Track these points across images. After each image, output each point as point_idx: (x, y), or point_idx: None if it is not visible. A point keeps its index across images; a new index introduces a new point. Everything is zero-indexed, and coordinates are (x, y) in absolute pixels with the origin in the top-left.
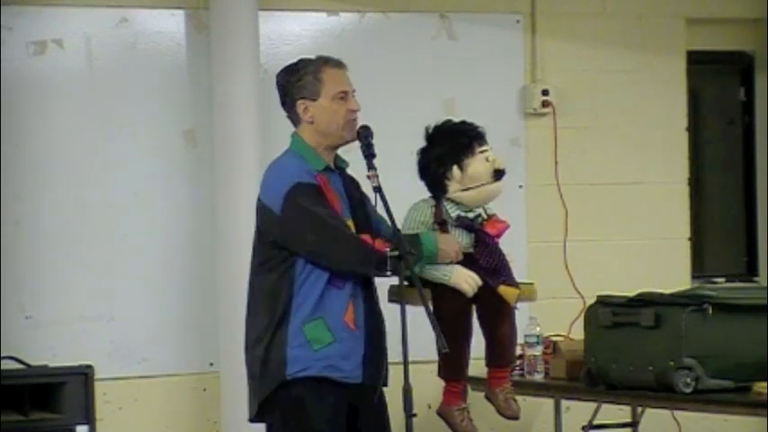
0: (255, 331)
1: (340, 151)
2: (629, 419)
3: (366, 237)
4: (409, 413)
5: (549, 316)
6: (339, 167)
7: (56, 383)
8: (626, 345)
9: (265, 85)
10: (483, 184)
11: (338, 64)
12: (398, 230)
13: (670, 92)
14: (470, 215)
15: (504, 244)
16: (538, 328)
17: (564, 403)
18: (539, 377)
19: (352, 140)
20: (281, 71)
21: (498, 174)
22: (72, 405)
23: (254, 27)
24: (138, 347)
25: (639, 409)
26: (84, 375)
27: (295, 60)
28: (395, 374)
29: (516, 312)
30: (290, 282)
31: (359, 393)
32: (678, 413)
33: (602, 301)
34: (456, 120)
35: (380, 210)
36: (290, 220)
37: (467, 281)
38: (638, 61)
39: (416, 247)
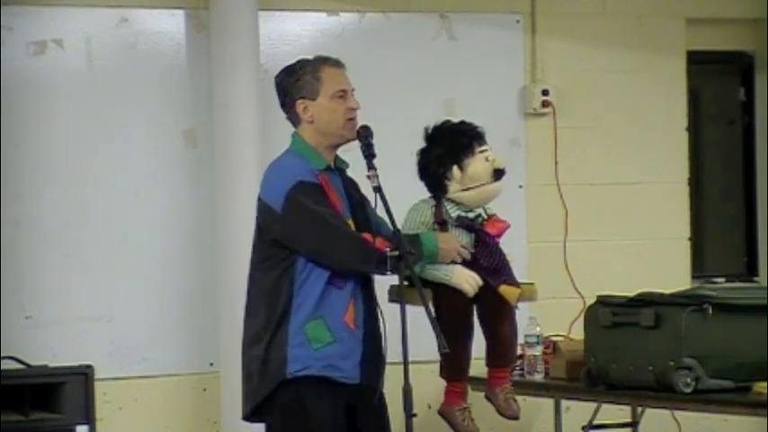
0: (254, 330)
1: (340, 151)
2: (629, 419)
3: (367, 236)
4: (409, 413)
5: (549, 316)
6: (339, 168)
7: (56, 383)
8: (626, 345)
9: (265, 85)
10: (483, 184)
11: (336, 63)
12: (398, 230)
13: (670, 92)
14: (470, 215)
15: (505, 244)
16: (538, 328)
17: (564, 403)
18: (539, 377)
19: (353, 139)
20: (280, 72)
21: (498, 173)
22: (72, 405)
23: (254, 27)
24: (138, 347)
25: (639, 409)
26: (84, 375)
27: (294, 61)
28: (395, 374)
29: (516, 312)
30: (291, 281)
31: (357, 394)
32: (678, 413)
33: (602, 301)
34: (455, 120)
35: (380, 210)
36: (291, 218)
37: (468, 281)
38: (638, 61)
39: (417, 246)
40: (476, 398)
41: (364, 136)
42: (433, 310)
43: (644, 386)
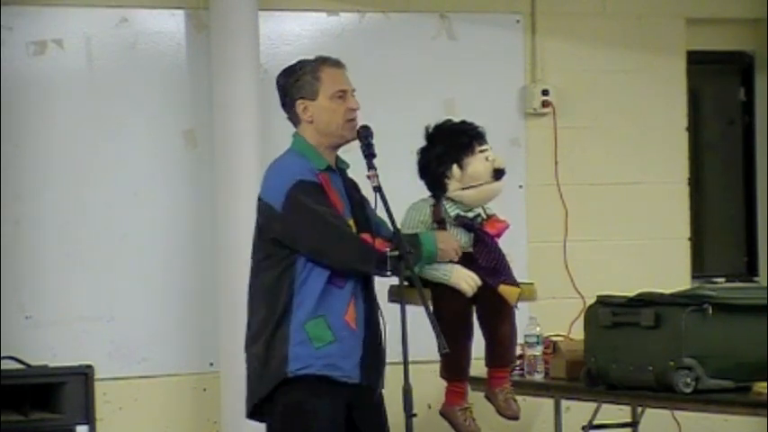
0: (255, 328)
1: (339, 151)
2: (629, 419)
3: (366, 236)
4: (409, 413)
5: (549, 316)
6: (340, 168)
7: (56, 383)
8: (626, 345)
9: (265, 85)
10: (483, 184)
11: (336, 63)
12: (398, 230)
13: (670, 92)
14: (470, 214)
15: (504, 244)
16: (538, 328)
17: (564, 403)
18: (539, 377)
19: (353, 139)
20: (281, 72)
21: (498, 173)
22: (72, 405)
23: (254, 27)
24: (138, 347)
25: (639, 409)
26: (84, 375)
27: (294, 61)
28: (395, 374)
29: (516, 312)
30: (291, 280)
31: (357, 393)
32: (678, 413)
33: (602, 301)
34: (456, 119)
35: (380, 210)
36: (291, 217)
37: (466, 281)
38: (638, 61)
39: (416, 246)
40: (476, 398)
41: (364, 136)
42: (432, 310)
43: (644, 386)
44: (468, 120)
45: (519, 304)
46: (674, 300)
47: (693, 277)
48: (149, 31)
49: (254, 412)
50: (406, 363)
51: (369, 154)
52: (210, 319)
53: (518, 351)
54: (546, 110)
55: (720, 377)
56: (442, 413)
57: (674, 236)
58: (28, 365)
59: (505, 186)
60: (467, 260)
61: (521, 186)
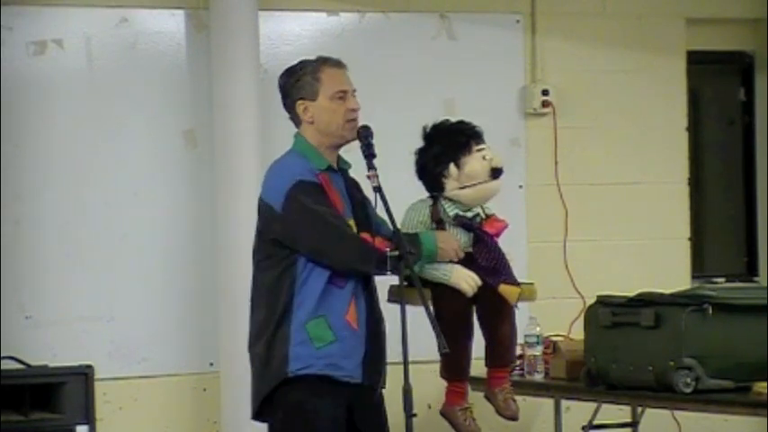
0: (256, 328)
1: (340, 151)
2: (629, 419)
3: (366, 236)
4: (409, 413)
5: (549, 316)
6: (341, 168)
7: (56, 383)
8: (626, 345)
9: (265, 85)
10: (480, 183)
11: (337, 64)
12: (398, 230)
13: (670, 92)
14: (468, 214)
15: (504, 244)
16: (538, 328)
17: (564, 403)
18: (539, 377)
19: (353, 140)
20: (282, 73)
21: (496, 172)
22: (72, 405)
23: (254, 27)
24: (138, 347)
25: (639, 409)
26: (84, 375)
27: (296, 62)
28: (395, 374)
29: (516, 312)
30: (292, 280)
31: (358, 393)
32: (678, 413)
33: (602, 301)
34: (453, 119)
35: (380, 210)
36: (291, 217)
37: (466, 280)
38: (638, 61)
39: (416, 246)
40: (475, 398)
41: (364, 136)
42: (432, 309)
43: (644, 386)
44: (468, 119)
45: (519, 304)
46: (674, 300)
47: (693, 277)
48: (149, 31)
49: (258, 413)
50: (406, 363)
51: (369, 154)
52: (210, 319)
53: (518, 351)
54: (546, 110)
55: (720, 377)
56: (442, 413)
57: (674, 236)
58: (28, 365)
59: (505, 186)
60: (466, 260)
61: (521, 186)
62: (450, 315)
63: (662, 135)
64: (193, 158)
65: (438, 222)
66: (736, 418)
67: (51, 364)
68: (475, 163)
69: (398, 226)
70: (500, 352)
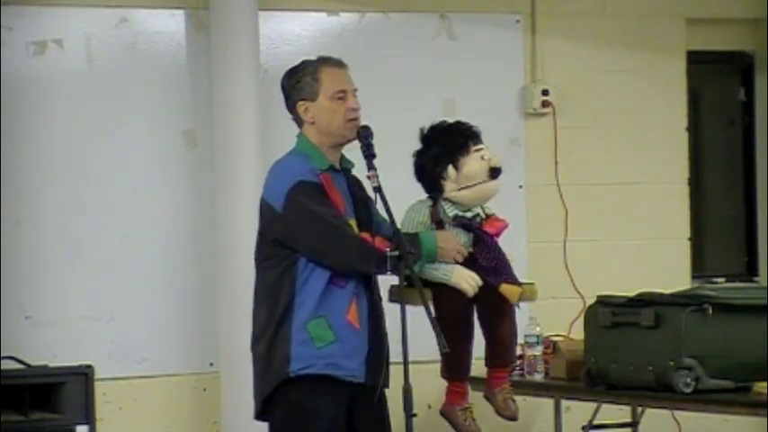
0: (258, 328)
1: (344, 152)
2: (629, 419)
3: (366, 236)
4: (409, 413)
5: (549, 316)
6: (344, 168)
7: (56, 383)
8: (626, 345)
9: (265, 85)
10: (479, 183)
11: (337, 63)
12: (398, 230)
13: (670, 92)
14: (468, 214)
15: (504, 244)
16: (538, 328)
17: (564, 403)
18: (539, 377)
19: (354, 139)
20: (284, 74)
21: (494, 172)
22: (72, 405)
23: (254, 27)
24: (138, 347)
25: (639, 409)
26: (84, 375)
27: (298, 63)
28: (395, 374)
29: (516, 312)
30: (292, 280)
31: (359, 392)
32: (678, 413)
33: (602, 301)
34: (451, 120)
35: (381, 210)
36: (291, 218)
37: (467, 280)
38: (638, 61)
39: (416, 246)
40: (475, 398)
41: (364, 136)
42: (432, 309)
43: (644, 386)
44: (468, 120)
45: (519, 304)
46: (674, 300)
47: (693, 277)
48: (149, 31)
49: (260, 412)
50: (406, 363)
51: (369, 154)
52: (210, 319)
53: (518, 351)
54: (546, 110)
55: (720, 377)
56: (443, 413)
57: (674, 236)
58: (28, 365)
59: (505, 186)
60: (467, 260)
61: (521, 186)
62: (451, 315)
63: (662, 135)
64: (193, 158)
65: (438, 223)
66: (736, 418)
67: (51, 364)
68: (473, 163)
69: (398, 226)
70: (500, 352)
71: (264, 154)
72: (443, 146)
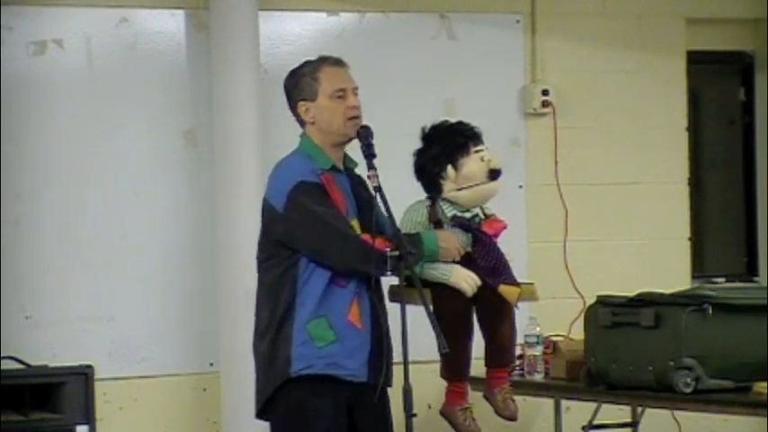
0: (260, 328)
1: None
2: (629, 419)
3: (366, 236)
4: (409, 413)
5: (549, 316)
6: (348, 167)
7: (56, 383)
8: (626, 345)
9: (265, 85)
10: (478, 184)
11: (337, 62)
12: (399, 230)
13: (670, 92)
14: (467, 215)
15: (504, 244)
16: (538, 328)
17: (564, 403)
18: (539, 377)
19: (355, 138)
20: (286, 75)
21: (494, 173)
22: (72, 405)
23: (254, 27)
24: (138, 347)
25: (639, 409)
26: (84, 375)
27: (299, 63)
28: (395, 374)
29: (516, 312)
30: (294, 280)
31: (361, 392)
32: (678, 413)
33: (602, 301)
34: (452, 120)
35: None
36: (292, 218)
37: (466, 280)
38: (638, 61)
39: (417, 246)
40: (474, 398)
41: (364, 136)
42: (432, 309)
43: (644, 386)
44: (469, 120)
45: (519, 304)
46: (674, 300)
47: (693, 277)
48: (149, 31)
49: (261, 411)
50: (406, 363)
51: (369, 154)
52: (210, 319)
53: (518, 351)
54: (546, 110)
55: (720, 377)
56: (442, 413)
57: (674, 236)
58: (28, 365)
59: (505, 186)
60: (466, 260)
61: (521, 186)
62: (450, 315)
63: (662, 135)
64: (193, 158)
65: (436, 223)
66: (736, 418)
67: (51, 364)
68: (472, 164)
69: (397, 226)
70: (500, 352)
71: (264, 154)
72: (443, 146)
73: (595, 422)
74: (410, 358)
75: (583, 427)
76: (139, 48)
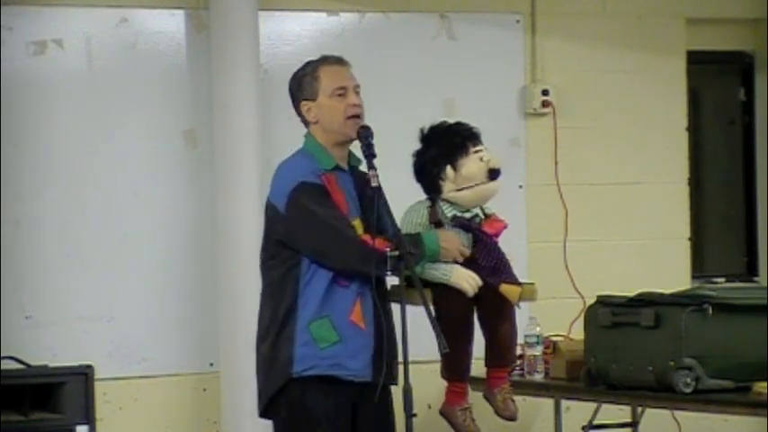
0: (262, 328)
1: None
2: (629, 419)
3: (366, 237)
4: (409, 413)
5: (549, 316)
6: (352, 165)
7: (56, 383)
8: (626, 345)
9: (265, 85)
10: (477, 184)
11: (338, 61)
12: (399, 230)
13: (670, 92)
14: (467, 215)
15: (504, 244)
16: (538, 328)
17: (564, 403)
18: (539, 377)
19: (356, 138)
20: (291, 76)
21: (493, 174)
22: (72, 405)
23: (254, 27)
24: (138, 347)
25: (639, 409)
26: (84, 375)
27: (301, 64)
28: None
29: (516, 312)
30: (296, 280)
31: (364, 392)
32: (678, 413)
33: (602, 301)
34: (451, 121)
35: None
36: (292, 218)
37: (467, 280)
38: (638, 61)
39: (418, 246)
40: (474, 398)
41: (364, 136)
42: (432, 310)
43: (644, 386)
44: (468, 120)
45: (520, 304)
46: (674, 300)
47: (693, 277)
48: (149, 31)
49: (264, 410)
50: (406, 363)
51: (369, 154)
52: (210, 319)
53: (518, 351)
54: (546, 110)
55: (720, 377)
56: (442, 413)
57: (674, 236)
58: (28, 365)
59: (505, 186)
60: (466, 260)
61: (521, 186)
62: (451, 315)
63: (662, 135)
64: (193, 158)
65: (436, 224)
66: (736, 418)
67: (51, 364)
68: (472, 165)
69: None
70: (500, 352)
71: (264, 154)
72: (442, 146)
73: (595, 422)
74: (410, 358)
75: (583, 427)
76: (139, 48)
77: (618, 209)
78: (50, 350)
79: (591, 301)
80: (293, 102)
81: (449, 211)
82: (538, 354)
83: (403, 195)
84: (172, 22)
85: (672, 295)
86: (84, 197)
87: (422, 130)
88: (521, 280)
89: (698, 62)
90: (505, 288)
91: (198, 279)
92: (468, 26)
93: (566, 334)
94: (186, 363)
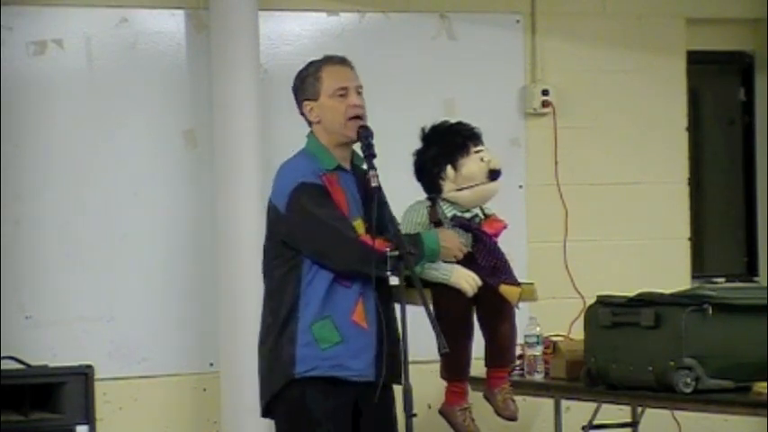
0: (264, 328)
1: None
2: (629, 419)
3: (366, 237)
4: (409, 413)
5: (549, 316)
6: (355, 165)
7: (56, 383)
8: (626, 345)
9: (265, 85)
10: (477, 184)
11: (340, 61)
12: (399, 230)
13: (670, 92)
14: (467, 215)
15: (504, 244)
16: (538, 328)
17: (564, 403)
18: (539, 377)
19: (356, 139)
20: (295, 75)
21: (493, 174)
22: (72, 405)
23: (254, 27)
24: (138, 347)
25: (639, 409)
26: (84, 375)
27: (303, 64)
28: None
29: (516, 312)
30: (298, 280)
31: (366, 392)
32: (678, 413)
33: (602, 301)
34: (452, 120)
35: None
36: (293, 219)
37: (467, 280)
38: (638, 61)
39: (418, 246)
40: (474, 398)
41: (364, 136)
42: (432, 310)
43: (644, 386)
44: (469, 120)
45: (519, 304)
46: (674, 300)
47: (693, 277)
48: (149, 31)
49: (266, 410)
50: (406, 363)
51: (369, 154)
52: (210, 319)
53: (518, 351)
54: (546, 110)
55: (720, 377)
56: (442, 413)
57: (674, 236)
58: (28, 365)
59: (505, 186)
60: (466, 260)
61: (521, 186)
62: (451, 315)
63: (662, 135)
64: (193, 158)
65: (436, 224)
66: (736, 418)
67: (51, 364)
68: (472, 165)
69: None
70: (500, 352)
71: (264, 154)
72: (443, 146)
73: (595, 422)
74: (410, 358)
75: (583, 427)
76: (139, 48)
77: (618, 209)
78: (50, 350)
79: (591, 301)
80: (296, 101)
81: (449, 211)
82: (538, 354)
83: (403, 195)
84: (172, 22)
85: (672, 295)
86: (84, 197)
87: (423, 130)
88: (520, 280)
89: (698, 62)
90: (505, 289)
91: (198, 279)
92: (468, 26)
93: (566, 334)
94: (186, 363)
